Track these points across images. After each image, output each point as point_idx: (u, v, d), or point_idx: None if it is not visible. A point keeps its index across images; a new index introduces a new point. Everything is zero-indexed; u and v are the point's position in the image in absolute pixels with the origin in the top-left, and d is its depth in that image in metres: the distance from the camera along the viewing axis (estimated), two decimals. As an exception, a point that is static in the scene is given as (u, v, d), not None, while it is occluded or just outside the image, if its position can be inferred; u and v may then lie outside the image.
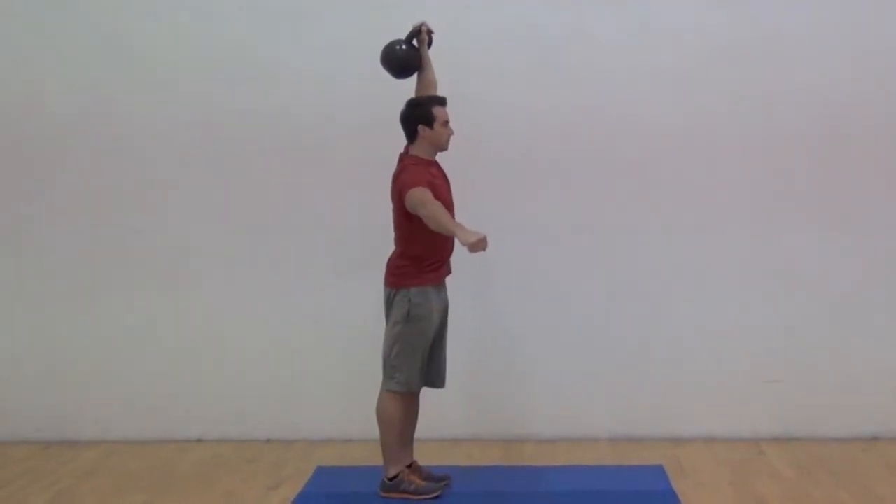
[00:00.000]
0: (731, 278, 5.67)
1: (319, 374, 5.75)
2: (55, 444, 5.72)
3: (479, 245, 4.27)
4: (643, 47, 5.60)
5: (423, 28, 4.93)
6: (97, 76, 5.73)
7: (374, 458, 5.29)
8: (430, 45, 4.98)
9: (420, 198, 4.51)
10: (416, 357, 4.69)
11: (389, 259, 4.79)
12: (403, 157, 4.78)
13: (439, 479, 4.86)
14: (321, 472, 5.17)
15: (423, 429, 4.96)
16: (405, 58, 4.88)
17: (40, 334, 5.80)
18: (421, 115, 4.69)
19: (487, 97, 5.55)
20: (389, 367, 4.71)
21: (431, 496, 4.74)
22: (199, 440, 5.77)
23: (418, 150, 4.74)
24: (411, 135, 4.74)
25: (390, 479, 4.77)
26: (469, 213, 4.73)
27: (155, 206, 5.76)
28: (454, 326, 4.98)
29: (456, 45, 5.24)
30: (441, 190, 4.67)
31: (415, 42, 4.93)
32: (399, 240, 4.75)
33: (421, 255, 4.68)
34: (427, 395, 4.90)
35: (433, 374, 4.83)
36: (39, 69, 5.74)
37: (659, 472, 5.11)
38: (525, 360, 5.45)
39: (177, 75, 5.71)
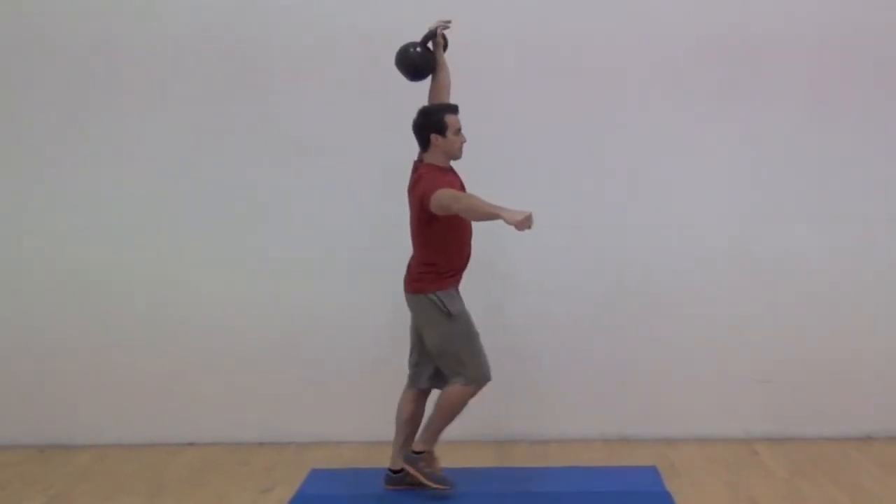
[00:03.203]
0: (723, 276, 5.65)
1: (311, 376, 5.74)
2: (49, 448, 5.72)
3: (525, 223, 4.20)
4: (632, 46, 5.63)
5: (439, 31, 4.92)
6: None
7: (368, 459, 5.34)
8: (445, 47, 4.95)
9: (448, 195, 4.48)
10: (476, 347, 4.71)
11: (409, 265, 4.80)
12: (418, 166, 4.78)
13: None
14: (315, 475, 5.16)
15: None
16: (419, 60, 4.87)
17: (33, 338, 5.79)
18: (433, 124, 4.68)
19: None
20: (454, 364, 4.69)
21: (444, 487, 4.71)
22: (191, 443, 5.76)
23: (432, 158, 4.73)
24: (424, 143, 4.74)
25: (416, 453, 4.76)
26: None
27: (152, 205, 5.75)
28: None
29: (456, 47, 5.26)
30: None
31: (430, 44, 4.91)
32: (418, 247, 4.75)
33: (438, 261, 4.69)
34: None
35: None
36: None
37: (652, 472, 5.10)
38: (516, 361, 5.41)
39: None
